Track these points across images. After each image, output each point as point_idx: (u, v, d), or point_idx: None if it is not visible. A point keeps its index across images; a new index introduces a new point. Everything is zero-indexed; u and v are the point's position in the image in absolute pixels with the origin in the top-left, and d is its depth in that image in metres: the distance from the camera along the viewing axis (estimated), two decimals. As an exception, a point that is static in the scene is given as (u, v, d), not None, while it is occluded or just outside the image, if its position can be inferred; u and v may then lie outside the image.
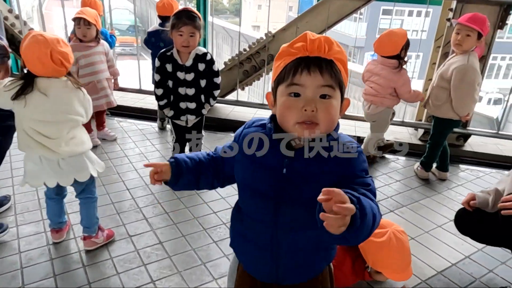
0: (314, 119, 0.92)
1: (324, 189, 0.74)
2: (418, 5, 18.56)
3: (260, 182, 1.03)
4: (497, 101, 15.32)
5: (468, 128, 3.49)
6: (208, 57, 2.43)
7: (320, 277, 1.15)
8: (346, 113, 3.93)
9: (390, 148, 3.33)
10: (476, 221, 1.90)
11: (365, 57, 21.05)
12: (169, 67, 2.39)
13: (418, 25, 19.67)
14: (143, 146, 3.33)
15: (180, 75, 2.40)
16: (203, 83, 2.44)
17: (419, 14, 20.79)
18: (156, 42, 3.28)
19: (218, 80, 2.48)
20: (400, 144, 2.83)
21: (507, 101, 3.69)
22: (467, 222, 1.97)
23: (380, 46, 2.89)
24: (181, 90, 2.43)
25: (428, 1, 3.41)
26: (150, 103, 4.08)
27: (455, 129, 3.20)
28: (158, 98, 2.48)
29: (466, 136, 3.51)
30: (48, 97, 1.73)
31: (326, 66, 0.92)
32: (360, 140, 3.24)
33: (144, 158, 3.12)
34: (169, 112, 2.51)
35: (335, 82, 0.94)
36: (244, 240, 1.13)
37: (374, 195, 0.93)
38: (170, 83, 2.43)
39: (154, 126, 3.73)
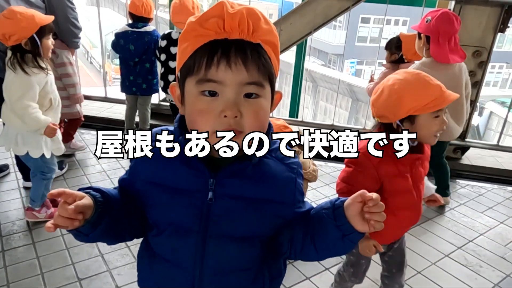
0: (238, 126, 0.68)
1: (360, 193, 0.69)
2: (399, 14, 18.74)
3: (179, 213, 0.76)
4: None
5: (466, 140, 3.22)
6: None
7: None
8: (320, 122, 3.64)
9: None
10: None
11: (345, 65, 21.11)
12: None
13: (395, 33, 19.81)
14: (105, 162, 2.89)
15: None
16: None
17: (396, 22, 20.99)
18: (125, 45, 2.88)
19: None
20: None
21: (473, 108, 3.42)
22: None
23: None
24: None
25: (424, 3, 3.14)
26: (118, 112, 3.66)
27: (453, 141, 2.91)
28: None
29: (463, 149, 3.24)
30: None
31: (252, 55, 0.67)
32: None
33: (106, 176, 2.70)
34: None
35: (263, 77, 0.69)
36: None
37: None
38: None
39: (120, 138, 3.31)
